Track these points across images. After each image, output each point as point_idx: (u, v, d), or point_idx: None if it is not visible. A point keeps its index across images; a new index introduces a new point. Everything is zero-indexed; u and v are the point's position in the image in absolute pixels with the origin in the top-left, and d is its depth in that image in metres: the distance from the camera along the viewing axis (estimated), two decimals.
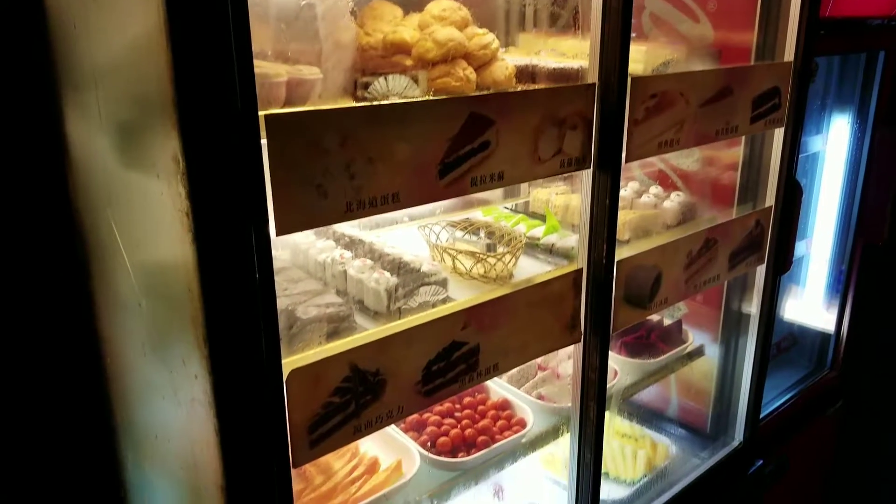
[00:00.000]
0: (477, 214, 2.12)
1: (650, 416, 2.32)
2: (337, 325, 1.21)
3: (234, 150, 0.90)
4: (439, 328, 1.21)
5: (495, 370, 1.33)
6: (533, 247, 1.91)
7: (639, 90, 1.48)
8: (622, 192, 2.15)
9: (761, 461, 2.23)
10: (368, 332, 1.16)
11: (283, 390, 0.98)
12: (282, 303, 1.24)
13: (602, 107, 1.42)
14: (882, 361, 3.01)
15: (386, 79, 1.31)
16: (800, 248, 2.87)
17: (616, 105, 1.42)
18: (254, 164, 0.91)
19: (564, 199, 2.13)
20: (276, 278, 1.39)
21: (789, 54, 1.91)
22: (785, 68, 1.90)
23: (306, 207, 1.00)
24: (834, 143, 2.84)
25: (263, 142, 0.94)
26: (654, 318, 2.17)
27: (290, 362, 1.02)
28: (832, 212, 2.92)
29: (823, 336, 2.98)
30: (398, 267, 1.40)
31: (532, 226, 2.01)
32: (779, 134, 1.98)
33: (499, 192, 2.40)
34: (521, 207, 2.30)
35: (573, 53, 1.69)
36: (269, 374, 0.96)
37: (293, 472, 1.02)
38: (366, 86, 1.28)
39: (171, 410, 1.12)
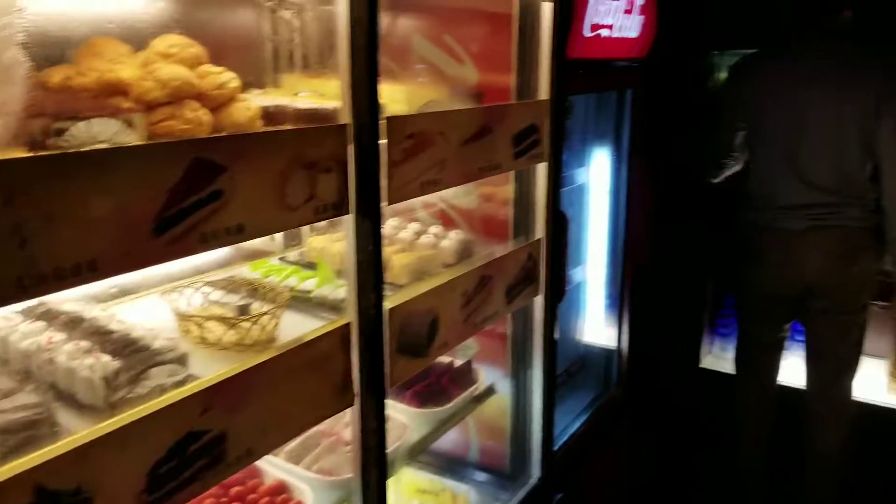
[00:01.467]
0: (244, 270, 1.91)
1: (450, 464, 2.24)
2: (31, 434, 0.95)
3: None
4: (167, 419, 0.99)
5: (250, 456, 1.14)
6: (306, 301, 1.75)
7: (395, 130, 1.42)
8: (402, 234, 2.07)
9: (560, 495, 2.24)
10: (70, 438, 0.91)
11: None
12: None
13: (359, 149, 1.33)
14: (657, 374, 3.24)
15: (89, 122, 1.09)
16: (578, 273, 3.02)
17: (372, 146, 1.35)
18: None
19: (341, 245, 2.00)
20: None
21: (544, 94, 1.99)
22: (540, 106, 1.96)
23: None
24: (596, 175, 3.04)
25: None
26: (445, 359, 2.10)
27: None
28: (602, 238, 3.11)
29: (608, 355, 3.15)
30: (124, 346, 1.16)
31: (305, 277, 1.85)
32: (543, 169, 2.04)
33: (279, 241, 2.23)
34: (305, 257, 2.13)
35: (332, 94, 1.60)
36: None
37: None
38: (59, 132, 1.05)
39: None
